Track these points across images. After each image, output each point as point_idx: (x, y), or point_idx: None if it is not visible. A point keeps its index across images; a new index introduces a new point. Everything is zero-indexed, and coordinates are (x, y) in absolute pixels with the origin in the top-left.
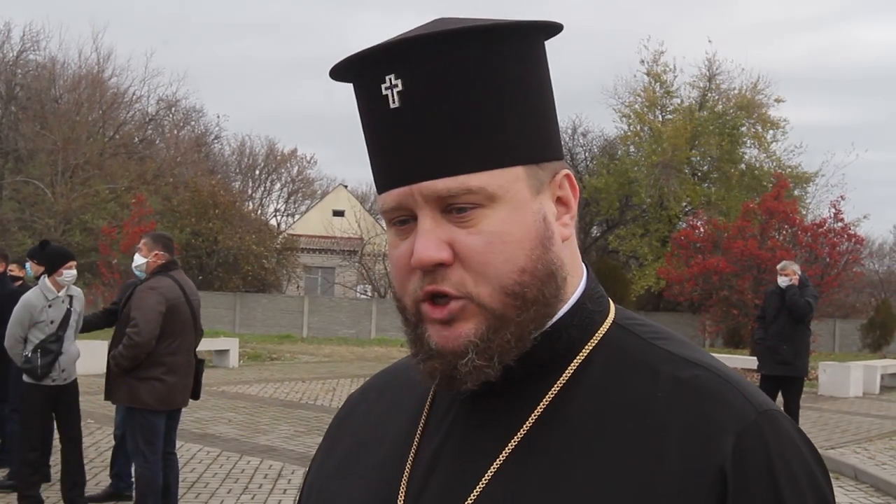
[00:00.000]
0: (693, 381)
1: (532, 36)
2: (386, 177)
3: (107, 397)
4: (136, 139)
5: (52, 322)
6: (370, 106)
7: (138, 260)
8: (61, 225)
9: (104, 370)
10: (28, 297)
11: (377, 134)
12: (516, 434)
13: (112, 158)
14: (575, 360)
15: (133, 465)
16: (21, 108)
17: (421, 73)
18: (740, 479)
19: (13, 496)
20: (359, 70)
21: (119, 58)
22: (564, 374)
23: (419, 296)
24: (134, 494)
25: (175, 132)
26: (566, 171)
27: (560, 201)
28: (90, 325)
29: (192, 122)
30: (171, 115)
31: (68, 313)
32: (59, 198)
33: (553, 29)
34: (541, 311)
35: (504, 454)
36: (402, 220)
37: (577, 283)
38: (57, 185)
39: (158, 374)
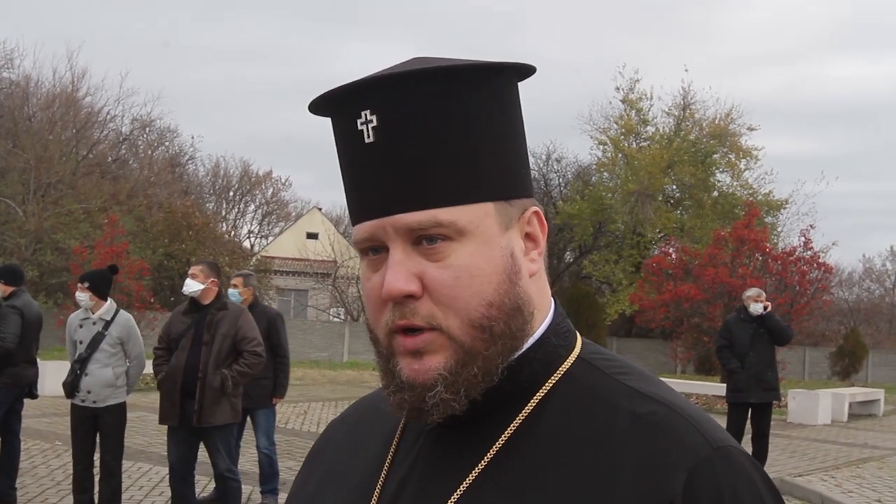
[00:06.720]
0: (650, 417)
1: (505, 76)
2: (359, 209)
3: (202, 422)
4: (110, 159)
5: (80, 342)
6: (346, 140)
7: (194, 286)
8: (32, 244)
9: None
10: (70, 315)
11: (352, 167)
12: (478, 464)
13: (85, 178)
14: (537, 394)
15: (226, 476)
16: None
17: (395, 110)
18: None
19: None
20: (336, 105)
21: (94, 77)
22: (527, 408)
23: (391, 328)
24: None
25: (149, 152)
26: (535, 208)
27: (528, 237)
28: None
29: (167, 143)
30: (145, 135)
31: (99, 336)
32: (30, 217)
33: (525, 70)
34: (508, 344)
35: (465, 484)
36: (375, 249)
37: (542, 317)
38: (28, 203)
39: (242, 388)
